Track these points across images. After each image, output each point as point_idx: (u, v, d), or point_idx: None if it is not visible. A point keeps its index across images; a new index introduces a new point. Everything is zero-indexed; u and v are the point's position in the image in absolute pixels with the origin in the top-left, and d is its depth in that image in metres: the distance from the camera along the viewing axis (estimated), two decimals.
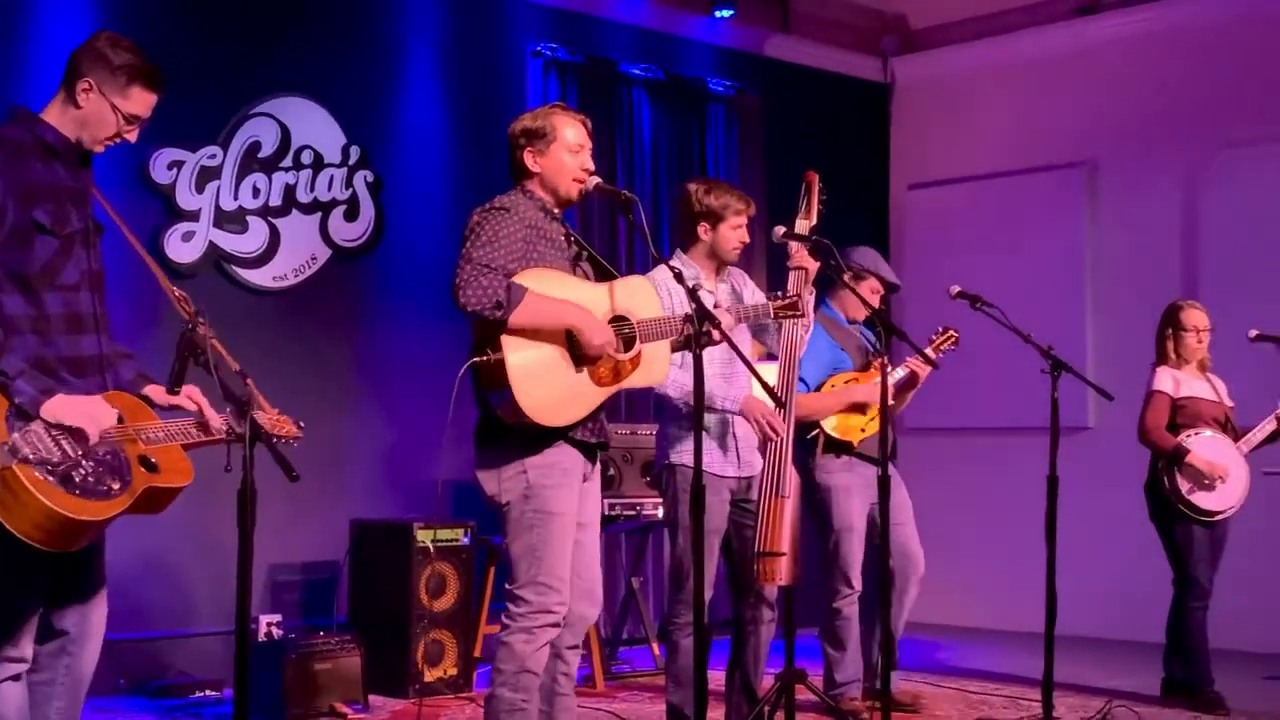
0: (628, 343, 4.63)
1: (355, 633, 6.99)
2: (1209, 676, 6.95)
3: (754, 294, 5.80)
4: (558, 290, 4.49)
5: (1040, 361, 5.84)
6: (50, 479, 3.65)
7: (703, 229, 5.71)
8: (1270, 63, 9.20)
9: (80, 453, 3.73)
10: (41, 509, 3.61)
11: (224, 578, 7.12)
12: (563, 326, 4.46)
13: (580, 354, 4.50)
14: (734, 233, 5.68)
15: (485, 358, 4.39)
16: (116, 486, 3.78)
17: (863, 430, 6.57)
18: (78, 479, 3.70)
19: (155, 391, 4.08)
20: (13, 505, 3.60)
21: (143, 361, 4.21)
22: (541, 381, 4.44)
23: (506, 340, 4.38)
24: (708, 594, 5.47)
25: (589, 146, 4.74)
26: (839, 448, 6.53)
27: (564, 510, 4.54)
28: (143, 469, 3.86)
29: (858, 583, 6.64)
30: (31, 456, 3.64)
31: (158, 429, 3.94)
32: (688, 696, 5.41)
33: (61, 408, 3.72)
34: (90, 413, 3.75)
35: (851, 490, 6.64)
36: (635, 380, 4.69)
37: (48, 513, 3.61)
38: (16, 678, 3.91)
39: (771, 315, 5.31)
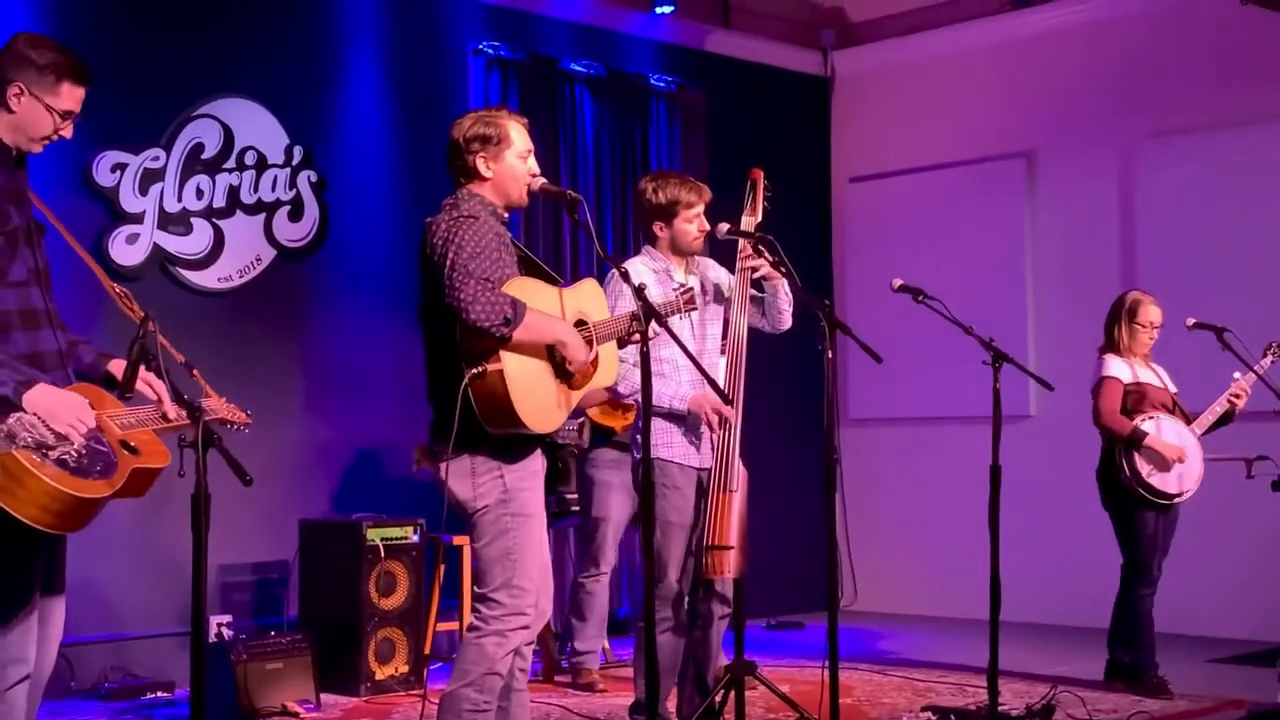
0: (588, 344, 4.67)
1: (306, 632, 7.00)
2: (1153, 662, 7.04)
3: (720, 278, 5.85)
4: (535, 301, 4.51)
5: (983, 352, 5.90)
6: (48, 461, 3.67)
7: (658, 226, 5.76)
8: (1198, 51, 9.32)
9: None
10: (47, 490, 3.63)
11: (172, 579, 7.20)
12: (554, 341, 4.51)
13: (560, 365, 4.56)
14: (689, 225, 5.71)
15: (482, 369, 4.40)
16: (106, 468, 3.81)
17: (626, 420, 7.14)
18: (71, 462, 3.72)
19: (118, 367, 4.10)
20: (16, 490, 3.61)
21: (96, 344, 4.23)
22: (534, 390, 4.48)
23: (505, 352, 4.40)
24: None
25: (533, 149, 4.76)
26: (603, 433, 6.77)
27: (536, 512, 4.58)
28: (125, 452, 3.90)
29: (606, 566, 7.44)
30: (30, 440, 3.66)
31: (127, 415, 3.97)
32: (663, 688, 5.56)
33: (44, 403, 3.73)
34: (70, 419, 3.75)
35: (612, 485, 7.28)
36: (595, 382, 4.74)
37: (53, 493, 3.64)
38: (22, 682, 3.91)
39: (681, 310, 5.37)
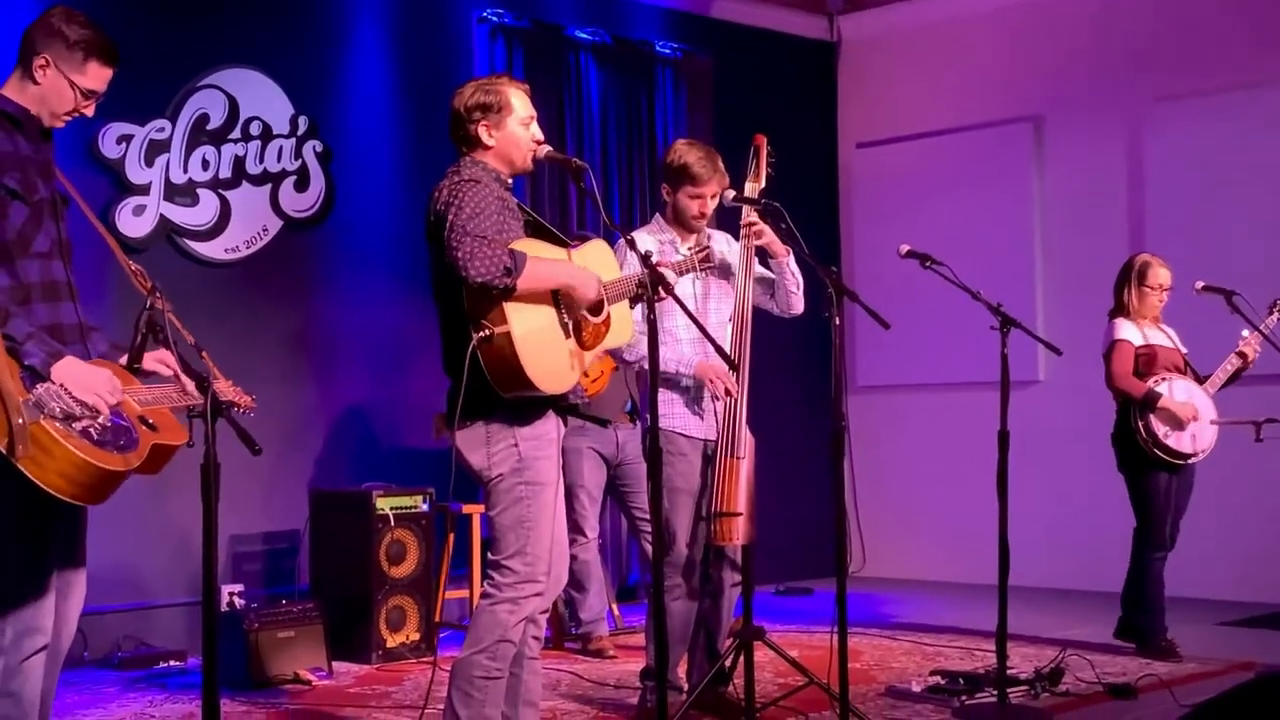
0: (597, 307, 4.66)
1: (317, 601, 7.03)
2: (1162, 625, 7.05)
3: (730, 252, 5.83)
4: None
5: (990, 317, 5.89)
6: (74, 432, 3.70)
7: (665, 190, 5.74)
8: (1206, 15, 9.28)
9: (97, 410, 3.79)
10: (72, 460, 3.66)
11: (184, 550, 7.24)
12: (561, 285, 4.50)
13: (569, 318, 4.55)
14: (691, 202, 5.65)
15: (488, 333, 4.39)
16: (128, 443, 3.84)
17: (585, 391, 7.00)
18: (96, 434, 3.76)
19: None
20: (42, 459, 3.64)
21: (109, 333, 4.25)
22: (544, 350, 4.46)
23: (510, 310, 4.38)
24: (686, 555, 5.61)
25: (535, 115, 4.75)
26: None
27: (551, 480, 4.58)
28: (145, 427, 3.92)
29: (591, 532, 7.40)
30: (58, 410, 3.69)
31: (145, 392, 4.00)
32: (674, 655, 5.62)
33: (72, 375, 3.76)
34: (99, 390, 3.79)
35: (582, 451, 7.26)
36: (608, 342, 4.74)
37: (79, 464, 3.67)
38: (39, 653, 3.95)
39: (696, 268, 5.36)
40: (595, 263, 4.76)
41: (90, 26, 4.03)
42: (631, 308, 4.85)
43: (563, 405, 4.67)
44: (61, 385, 3.73)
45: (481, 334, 4.37)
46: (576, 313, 4.59)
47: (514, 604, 4.53)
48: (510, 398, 4.47)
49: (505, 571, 4.54)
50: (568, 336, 4.57)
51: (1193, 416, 6.95)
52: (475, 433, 4.54)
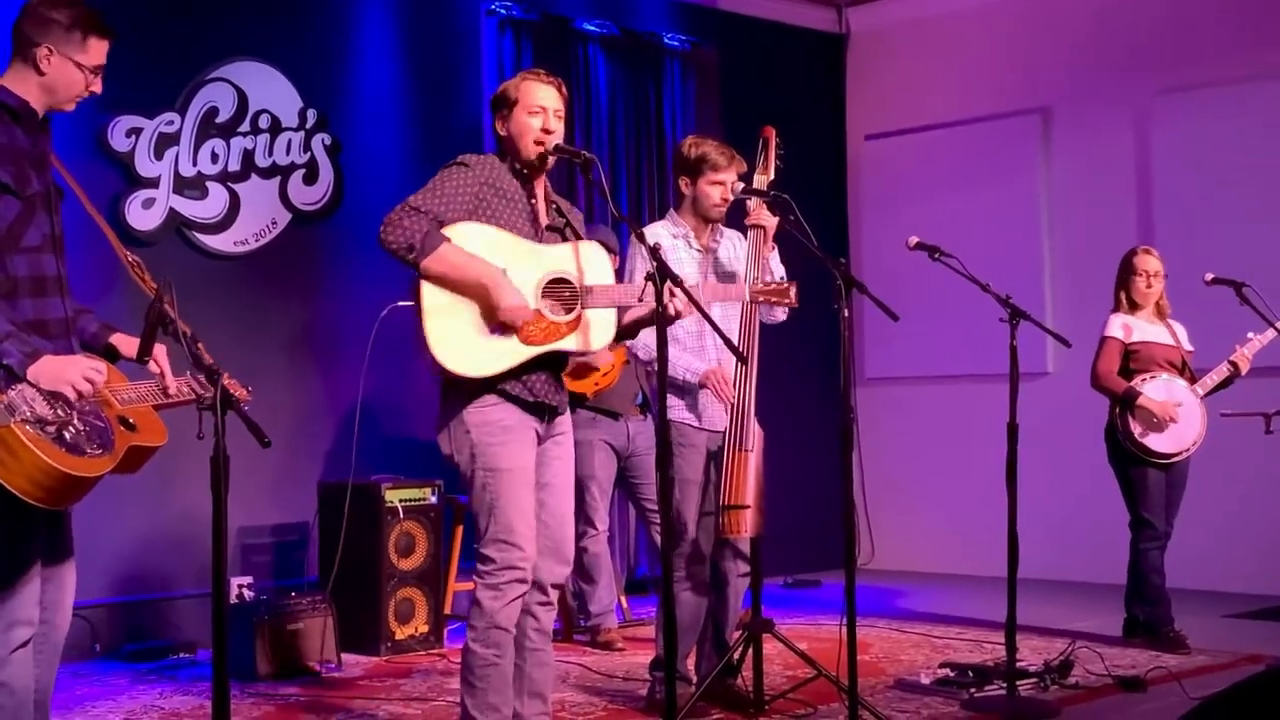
0: (568, 305, 4.62)
1: (326, 593, 7.03)
2: (1169, 616, 7.05)
3: (737, 258, 5.81)
4: (486, 247, 4.51)
5: (999, 309, 5.89)
6: (45, 437, 3.70)
7: (684, 183, 5.75)
8: (1213, 6, 9.26)
9: (71, 412, 3.78)
10: (40, 465, 3.66)
11: (194, 542, 7.24)
12: (472, 281, 4.48)
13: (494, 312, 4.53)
14: (713, 189, 5.67)
15: (409, 303, 4.50)
16: (104, 445, 3.84)
17: (595, 385, 7.17)
18: (69, 437, 3.75)
19: (121, 340, 4.14)
20: (10, 463, 3.64)
21: (101, 314, 4.25)
22: (453, 327, 4.48)
23: (425, 285, 4.47)
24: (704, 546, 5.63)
25: (554, 109, 4.70)
26: (574, 400, 6.83)
27: (512, 465, 4.56)
28: (123, 428, 3.92)
29: (601, 525, 7.42)
30: (29, 415, 3.69)
31: (129, 390, 4.00)
32: (683, 646, 5.64)
33: (47, 371, 3.75)
34: (72, 377, 3.77)
35: (593, 444, 7.24)
36: (569, 344, 4.62)
37: (46, 469, 3.67)
38: (26, 644, 3.95)
39: (747, 298, 5.32)
40: (583, 264, 4.65)
41: (77, 5, 4.03)
42: (686, 314, 4.62)
43: (518, 400, 4.61)
44: (35, 387, 3.73)
45: (402, 303, 4.48)
46: (497, 310, 4.50)
47: (496, 590, 4.55)
48: (441, 376, 4.53)
49: (484, 559, 4.59)
50: (495, 325, 4.52)
51: (1171, 418, 6.95)
52: (441, 419, 4.65)
